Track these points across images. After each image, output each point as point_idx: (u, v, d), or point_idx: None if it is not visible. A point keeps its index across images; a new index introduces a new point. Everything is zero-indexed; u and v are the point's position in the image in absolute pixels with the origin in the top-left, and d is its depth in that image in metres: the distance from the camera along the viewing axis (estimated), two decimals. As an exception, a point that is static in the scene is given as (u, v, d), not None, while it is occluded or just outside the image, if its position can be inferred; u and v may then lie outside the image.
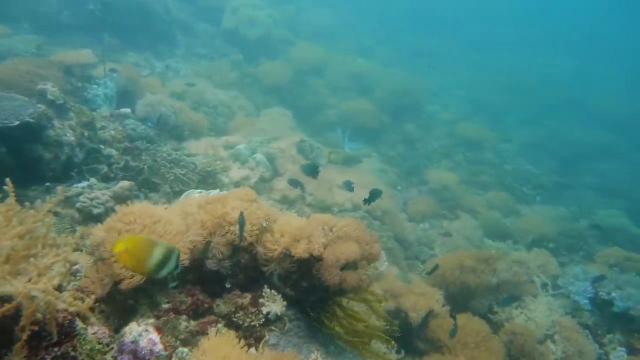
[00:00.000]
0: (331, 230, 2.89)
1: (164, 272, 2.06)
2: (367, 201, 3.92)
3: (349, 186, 4.26)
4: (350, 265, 2.73)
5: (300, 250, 2.67)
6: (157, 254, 2.00)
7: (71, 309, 1.79)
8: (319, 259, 2.74)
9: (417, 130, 10.63)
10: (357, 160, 7.48)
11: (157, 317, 2.39)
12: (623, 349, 4.14)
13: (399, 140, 10.47)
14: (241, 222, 2.60)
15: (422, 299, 4.12)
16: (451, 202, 8.01)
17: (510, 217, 8.24)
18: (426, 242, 6.80)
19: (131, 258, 1.96)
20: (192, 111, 7.04)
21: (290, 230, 2.84)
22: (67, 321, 1.92)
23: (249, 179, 5.62)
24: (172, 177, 4.47)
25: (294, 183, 4.54)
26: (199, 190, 3.61)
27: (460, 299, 4.65)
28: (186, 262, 2.51)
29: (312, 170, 4.22)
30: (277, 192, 5.66)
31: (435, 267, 4.38)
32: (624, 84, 19.98)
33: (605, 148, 14.12)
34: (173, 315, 2.48)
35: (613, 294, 4.17)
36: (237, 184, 5.47)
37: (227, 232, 2.75)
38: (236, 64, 9.96)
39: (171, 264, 2.05)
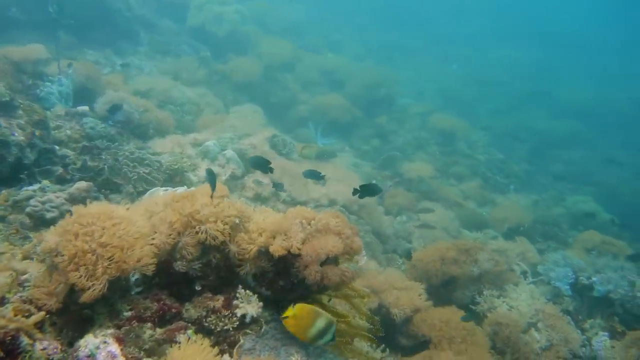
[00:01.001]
0: (310, 224, 2.71)
1: (321, 342, 2.31)
2: (358, 192, 3.71)
3: (314, 175, 4.05)
4: (331, 260, 2.56)
5: (277, 248, 2.48)
6: (319, 325, 2.27)
7: (11, 325, 1.54)
8: (297, 255, 2.56)
9: (390, 123, 10.57)
10: (331, 155, 7.33)
11: (118, 327, 2.16)
12: (605, 333, 4.13)
13: (373, 134, 10.38)
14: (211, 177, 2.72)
15: (404, 293, 4.00)
16: (427, 193, 7.97)
17: (486, 206, 8.27)
18: (404, 235, 6.71)
19: (296, 324, 2.28)
20: (157, 109, 6.72)
21: (266, 227, 2.65)
22: (10, 338, 1.67)
23: (219, 176, 5.37)
24: (136, 177, 4.18)
25: (278, 187, 4.34)
26: (164, 189, 3.36)
27: (443, 291, 4.56)
28: (152, 267, 2.27)
29: (262, 164, 3.88)
30: (250, 190, 5.44)
31: (409, 252, 4.26)
32: (586, 74, 20.60)
33: (571, 136, 14.54)
34: (136, 323, 2.25)
35: (593, 278, 4.16)
36: (206, 182, 5.21)
37: (196, 232, 2.52)
38: (204, 61, 9.64)
39: (328, 337, 2.30)
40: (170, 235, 2.48)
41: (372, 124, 10.57)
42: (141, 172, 4.24)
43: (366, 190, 3.90)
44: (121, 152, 4.38)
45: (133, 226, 2.28)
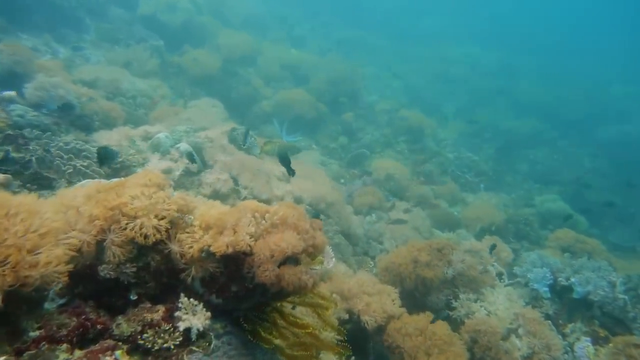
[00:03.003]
0: (264, 218, 2.33)
1: None
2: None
3: (285, 162, 3.74)
4: (290, 261, 2.19)
5: (221, 245, 2.09)
6: None
7: None
8: (249, 254, 2.18)
9: (357, 120, 10.31)
10: (295, 150, 6.95)
11: (18, 352, 1.71)
12: (587, 338, 3.94)
13: (339, 131, 10.10)
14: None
15: (375, 299, 3.68)
16: (397, 192, 7.73)
17: (457, 205, 8.12)
18: (375, 235, 6.42)
19: None
20: (103, 100, 6.16)
21: (213, 221, 2.25)
22: None
23: (171, 171, 4.90)
24: (71, 170, 3.67)
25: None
26: (97, 180, 2.89)
27: (417, 295, 4.27)
28: (65, 275, 1.83)
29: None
30: (207, 186, 4.99)
31: None
32: (544, 73, 21.15)
33: (534, 135, 14.80)
34: (47, 345, 1.80)
35: (572, 279, 3.96)
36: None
37: (125, 228, 2.10)
38: (156, 51, 9.06)
39: None
40: (91, 231, 2.05)
41: (339, 120, 10.29)
42: (78, 164, 3.73)
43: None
44: (54, 143, 3.85)
45: (38, 219, 1.83)
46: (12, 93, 4.38)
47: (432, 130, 9.97)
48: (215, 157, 5.34)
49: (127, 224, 2.12)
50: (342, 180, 8.67)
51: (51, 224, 1.89)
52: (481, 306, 3.86)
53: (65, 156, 3.73)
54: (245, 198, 5.15)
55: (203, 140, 5.51)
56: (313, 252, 2.27)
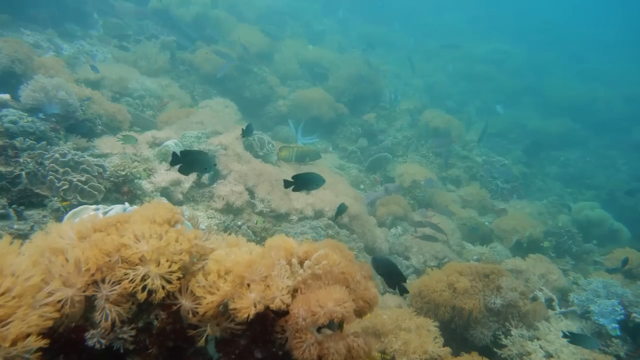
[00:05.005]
0: (301, 265, 1.90)
1: None
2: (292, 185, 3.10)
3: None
4: (333, 324, 1.75)
5: (247, 304, 1.66)
6: None
7: None
8: (283, 313, 1.75)
9: (378, 121, 9.82)
10: (315, 156, 6.52)
11: None
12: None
13: (359, 133, 9.62)
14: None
15: (414, 336, 3.22)
16: (424, 200, 7.25)
17: (487, 215, 7.61)
18: (400, 250, 5.96)
19: None
20: (108, 101, 5.78)
21: (235, 268, 1.83)
22: None
23: (180, 183, 4.49)
24: (67, 186, 3.28)
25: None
26: (94, 207, 2.48)
27: (454, 327, 3.80)
28: (39, 353, 1.42)
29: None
30: (219, 199, 4.58)
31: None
32: (575, 70, 20.37)
33: (564, 135, 14.14)
34: None
35: (651, 315, 3.45)
36: (164, 192, 4.33)
37: (124, 279, 1.68)
38: (168, 47, 8.68)
39: None
40: (77, 284, 1.63)
41: (358, 121, 9.81)
42: (75, 179, 3.33)
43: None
44: (49, 154, 3.46)
45: (9, 277, 1.42)
46: (6, 96, 4.00)
47: (459, 131, 9.43)
48: (229, 165, 4.92)
49: (126, 273, 1.70)
50: (362, 186, 8.21)
51: (27, 282, 1.48)
52: (538, 344, 3.38)
53: (61, 170, 3.33)
54: (261, 212, 4.73)
55: (216, 147, 5.10)
56: (363, 310, 1.83)
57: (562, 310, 4.10)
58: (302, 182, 3.10)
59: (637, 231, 8.64)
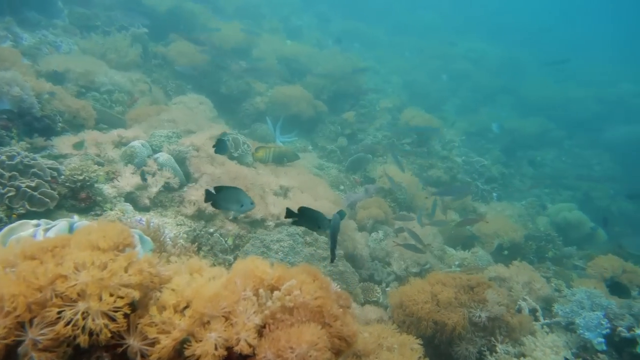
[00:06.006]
0: (271, 294, 1.65)
1: None
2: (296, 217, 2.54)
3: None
4: (308, 368, 1.51)
5: (206, 350, 1.40)
6: None
7: None
8: (247, 357, 1.50)
9: (358, 119, 9.61)
10: (293, 157, 6.26)
11: None
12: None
13: (339, 132, 9.39)
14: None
15: (397, 356, 3.01)
16: (404, 203, 7.07)
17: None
18: (381, 255, 5.76)
19: None
20: (71, 97, 5.39)
21: (194, 301, 1.57)
22: None
23: (147, 187, 4.17)
24: (12, 193, 2.94)
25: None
26: (35, 222, 2.17)
27: (437, 343, 3.61)
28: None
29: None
30: (190, 205, 4.28)
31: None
32: (551, 70, 20.57)
33: (541, 135, 14.25)
34: None
35: (638, 331, 3.31)
36: (129, 197, 4.00)
37: (58, 318, 1.40)
38: (139, 40, 8.25)
39: None
40: (4, 327, 1.35)
41: (338, 120, 9.58)
42: (23, 185, 2.99)
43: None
44: (-5, 156, 3.11)
45: None
46: (-51, 92, 3.62)
47: (439, 131, 9.29)
48: (201, 168, 4.62)
49: (61, 312, 1.42)
50: (342, 187, 7.99)
51: None
52: (524, 362, 3.23)
53: (7, 174, 2.99)
54: (235, 219, 4.45)
55: (187, 148, 4.78)
56: (341, 349, 1.59)
57: (547, 321, 3.97)
58: (307, 219, 2.54)
59: (612, 232, 8.69)
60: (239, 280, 1.65)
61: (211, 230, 4.31)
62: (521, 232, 6.40)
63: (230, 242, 4.11)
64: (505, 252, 6.29)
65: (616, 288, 3.98)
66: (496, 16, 26.67)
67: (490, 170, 9.59)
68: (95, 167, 3.59)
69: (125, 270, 1.52)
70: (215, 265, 3.92)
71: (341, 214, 2.77)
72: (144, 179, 4.05)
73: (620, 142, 14.84)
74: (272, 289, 1.73)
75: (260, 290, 1.62)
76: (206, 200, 2.73)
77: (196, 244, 3.45)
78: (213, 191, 2.71)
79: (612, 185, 12.34)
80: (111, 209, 3.66)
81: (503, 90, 17.47)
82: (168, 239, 3.08)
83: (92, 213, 3.51)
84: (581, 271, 5.96)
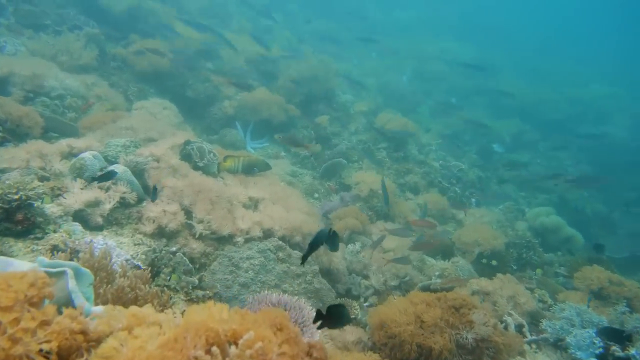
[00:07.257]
0: (228, 350, 1.36)
1: None
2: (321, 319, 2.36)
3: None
4: None
5: None
6: None
7: None
8: None
9: (332, 124, 9.37)
10: (264, 167, 5.94)
11: None
12: None
13: (312, 137, 9.13)
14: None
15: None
16: (381, 211, 6.85)
17: (447, 224, 7.33)
18: (359, 268, 5.51)
19: None
20: (13, 102, 4.94)
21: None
22: None
23: (99, 204, 3.79)
24: None
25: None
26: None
27: (424, 368, 3.37)
28: None
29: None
30: (149, 222, 3.92)
31: None
32: (524, 71, 20.87)
33: (515, 137, 14.40)
34: None
35: (632, 351, 3.17)
36: (77, 215, 3.62)
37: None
38: (94, 40, 7.78)
39: None
40: None
41: (312, 124, 9.31)
42: (-56, 209, 2.59)
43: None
44: None
45: None
46: None
47: (415, 135, 9.15)
48: (162, 181, 4.26)
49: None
50: (317, 195, 7.73)
51: None
52: (516, 389, 3.03)
53: None
54: (200, 235, 4.11)
55: (146, 159, 4.41)
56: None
57: (534, 337, 3.79)
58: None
59: (589, 236, 8.72)
60: (189, 336, 1.34)
61: (173, 249, 3.96)
62: (502, 240, 6.27)
63: (173, 279, 3.72)
64: (486, 261, 6.15)
65: (611, 333, 3.77)
66: (468, 17, 26.95)
67: (468, 174, 9.50)
68: (37, 183, 3.20)
69: (36, 333, 1.20)
70: (172, 298, 3.54)
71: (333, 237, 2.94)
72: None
73: (592, 143, 15.13)
74: (232, 341, 1.44)
75: (214, 349, 1.33)
76: (315, 321, 2.38)
77: (149, 269, 3.10)
78: (323, 312, 2.39)
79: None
80: (55, 231, 3.27)
81: (477, 91, 17.57)
82: (116, 267, 2.73)
83: (32, 236, 3.12)
84: (564, 279, 5.87)
